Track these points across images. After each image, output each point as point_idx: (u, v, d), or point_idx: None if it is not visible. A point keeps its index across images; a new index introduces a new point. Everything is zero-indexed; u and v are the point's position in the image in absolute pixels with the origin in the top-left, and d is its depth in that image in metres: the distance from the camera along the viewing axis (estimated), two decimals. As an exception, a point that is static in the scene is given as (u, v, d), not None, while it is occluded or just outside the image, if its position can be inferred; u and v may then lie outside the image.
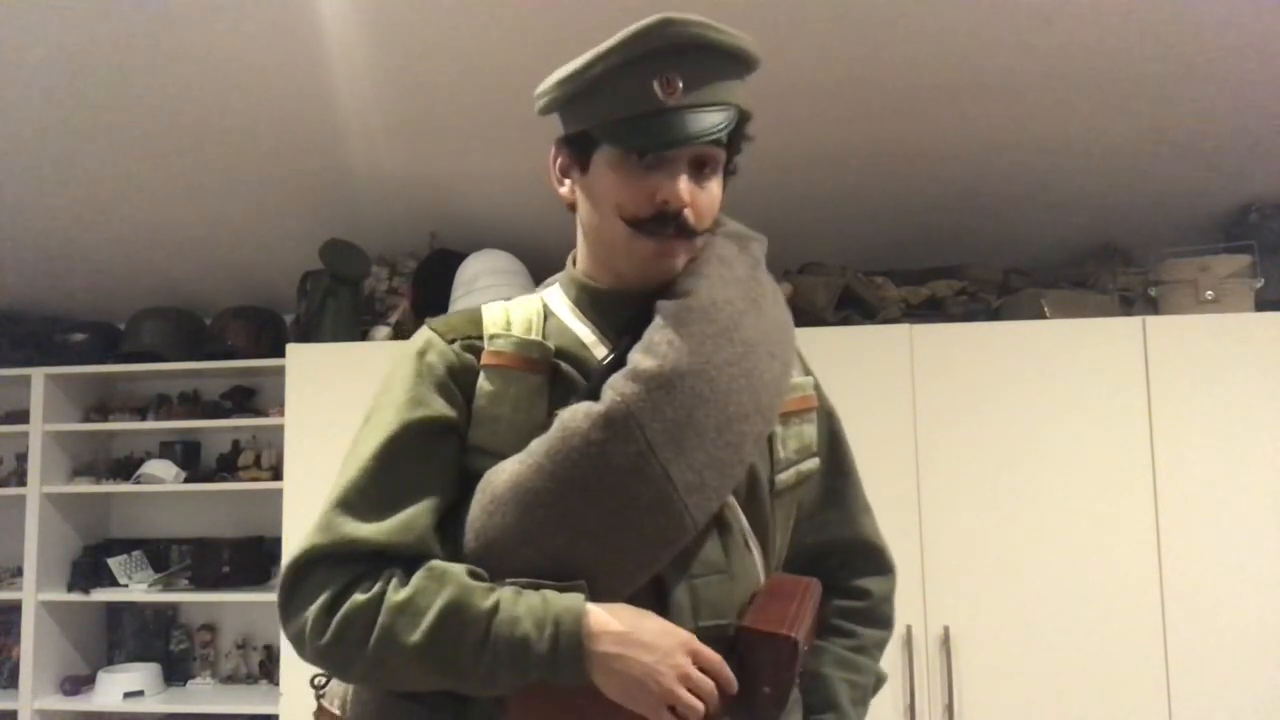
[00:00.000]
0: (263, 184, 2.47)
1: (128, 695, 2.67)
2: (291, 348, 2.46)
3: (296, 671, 2.31)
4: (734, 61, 0.92)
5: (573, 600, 0.83)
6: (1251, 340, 2.16)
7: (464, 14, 1.85)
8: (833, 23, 1.85)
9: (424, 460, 0.89)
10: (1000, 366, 2.22)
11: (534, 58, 1.99)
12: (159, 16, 1.87)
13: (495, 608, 0.82)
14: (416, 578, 0.84)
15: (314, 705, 0.98)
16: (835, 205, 2.41)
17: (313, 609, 0.84)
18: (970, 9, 1.82)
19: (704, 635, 0.87)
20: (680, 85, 0.88)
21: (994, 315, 2.46)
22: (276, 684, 2.50)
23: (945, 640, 2.12)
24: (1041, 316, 2.30)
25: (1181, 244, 2.45)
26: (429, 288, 2.53)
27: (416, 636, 0.81)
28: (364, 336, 2.59)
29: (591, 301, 0.98)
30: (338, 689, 0.96)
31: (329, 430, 2.34)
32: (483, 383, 0.92)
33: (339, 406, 2.36)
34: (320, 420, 2.37)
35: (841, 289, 2.39)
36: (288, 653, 2.33)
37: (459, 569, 0.85)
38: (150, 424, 2.86)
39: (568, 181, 0.98)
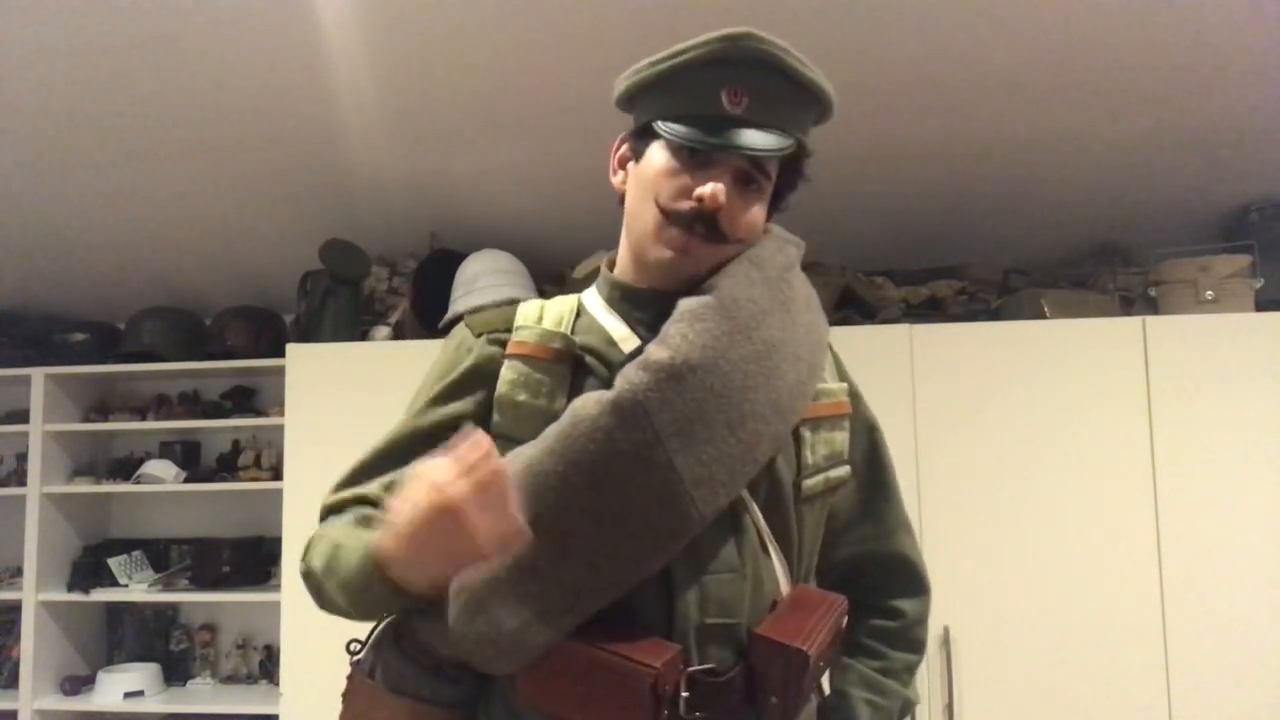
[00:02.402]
0: (263, 184, 2.47)
1: (128, 695, 2.67)
2: (291, 348, 2.46)
3: (297, 671, 2.32)
4: (805, 94, 0.94)
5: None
6: (1251, 340, 2.16)
7: (463, 14, 1.85)
8: (832, 23, 1.85)
9: (429, 448, 0.94)
10: (1000, 366, 2.22)
11: (534, 58, 2.00)
12: (159, 17, 1.87)
13: (357, 544, 0.88)
14: (356, 514, 0.93)
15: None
16: (835, 205, 2.40)
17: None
18: (971, 8, 1.82)
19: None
20: (746, 100, 0.90)
21: (994, 315, 2.46)
22: (276, 684, 2.50)
23: (945, 640, 2.12)
24: (1041, 316, 2.30)
25: (1181, 244, 2.45)
26: (429, 288, 2.53)
27: (319, 562, 0.91)
28: (364, 336, 2.59)
29: (623, 298, 1.00)
30: (368, 656, 0.99)
31: (329, 430, 2.35)
32: (505, 371, 0.96)
33: (339, 406, 2.36)
34: (320, 420, 2.37)
35: (841, 289, 2.39)
36: (288, 653, 2.33)
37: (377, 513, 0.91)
38: (150, 424, 2.86)
39: (622, 172, 1.01)
